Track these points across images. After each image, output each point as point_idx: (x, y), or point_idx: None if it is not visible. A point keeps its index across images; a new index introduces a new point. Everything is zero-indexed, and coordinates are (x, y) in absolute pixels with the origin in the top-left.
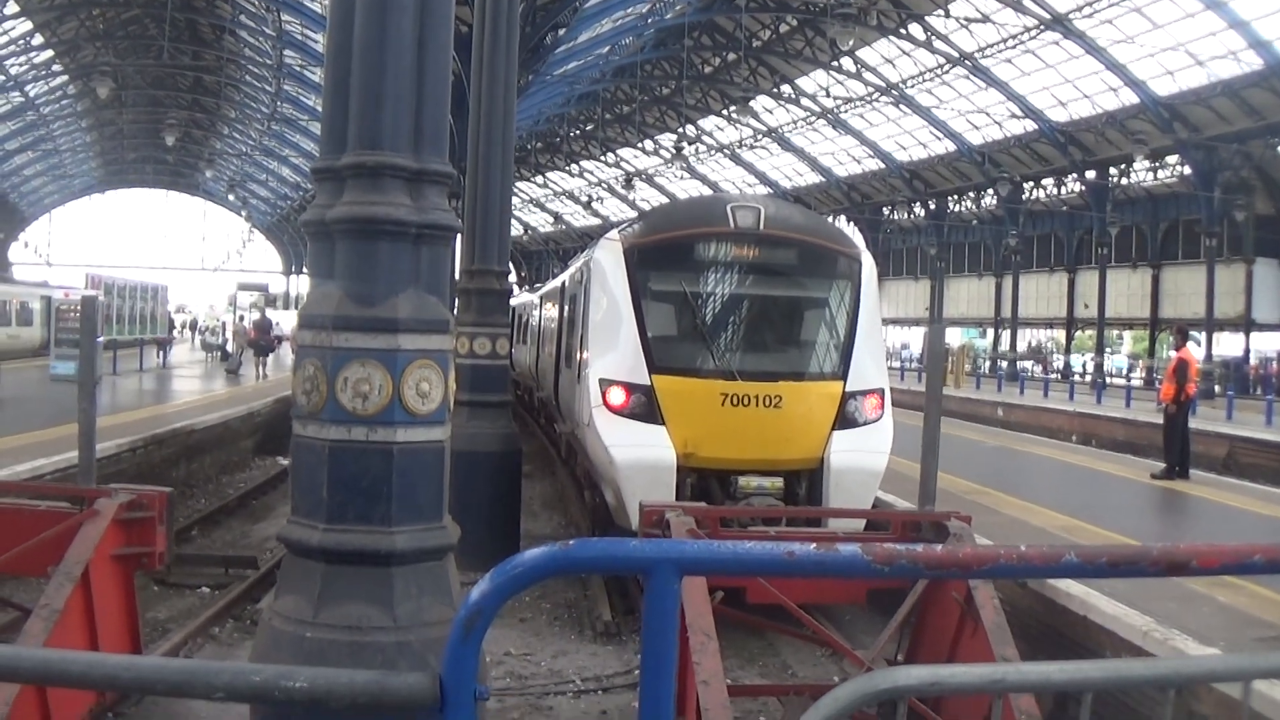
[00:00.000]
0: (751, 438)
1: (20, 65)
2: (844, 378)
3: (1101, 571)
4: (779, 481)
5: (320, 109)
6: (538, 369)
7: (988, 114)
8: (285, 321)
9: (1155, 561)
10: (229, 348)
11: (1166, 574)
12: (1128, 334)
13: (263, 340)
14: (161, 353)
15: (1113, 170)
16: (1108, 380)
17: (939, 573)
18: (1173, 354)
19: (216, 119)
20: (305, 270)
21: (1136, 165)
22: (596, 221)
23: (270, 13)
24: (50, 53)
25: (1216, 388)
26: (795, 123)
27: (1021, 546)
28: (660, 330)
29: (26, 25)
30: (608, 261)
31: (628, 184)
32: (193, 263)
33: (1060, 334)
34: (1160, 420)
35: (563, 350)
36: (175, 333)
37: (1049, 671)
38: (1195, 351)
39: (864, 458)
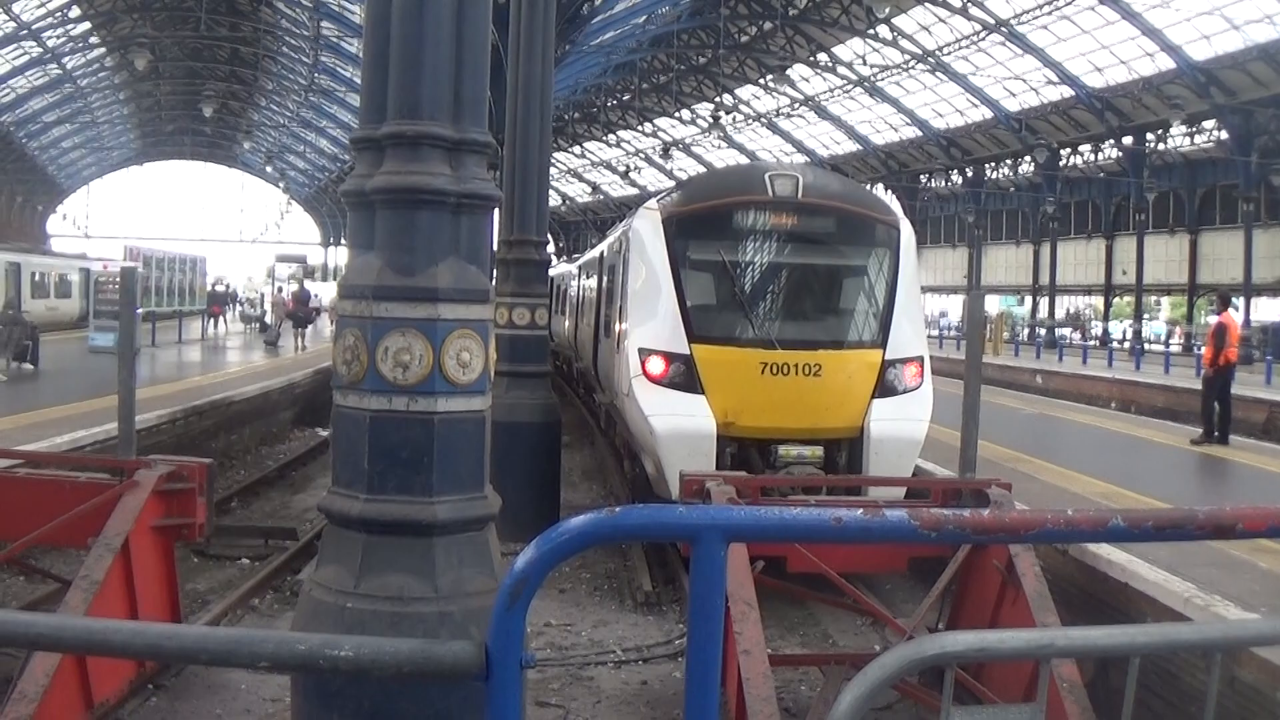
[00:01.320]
0: (791, 407)
1: (58, 37)
2: (883, 346)
3: (1148, 535)
4: (819, 450)
5: (357, 80)
6: (576, 339)
7: (1024, 80)
8: (324, 293)
9: (1201, 525)
10: (268, 319)
11: (1213, 537)
12: (1166, 300)
13: (301, 312)
14: (215, 321)
15: (1149, 136)
16: (1146, 346)
17: (986, 537)
18: (1214, 318)
19: (254, 90)
20: (344, 241)
21: (1173, 130)
22: (634, 191)
23: None
24: (88, 25)
25: (1255, 352)
26: (832, 91)
27: (1068, 511)
28: (699, 299)
29: None
30: (646, 231)
31: (665, 153)
32: (231, 234)
33: (1098, 300)
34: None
35: (601, 320)
36: (237, 304)
37: (1095, 636)
38: (1236, 317)
39: (904, 426)
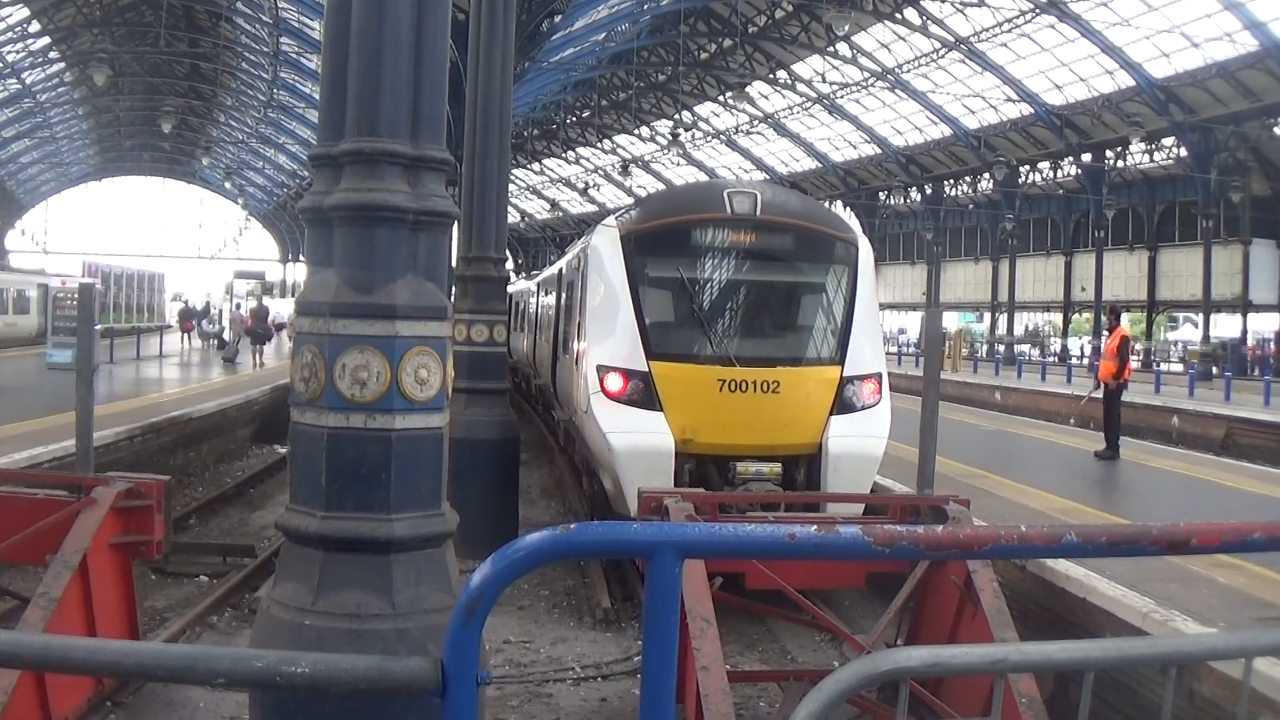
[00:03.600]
0: (749, 423)
1: (17, 52)
2: (841, 363)
3: (1101, 551)
4: (777, 467)
5: (317, 96)
6: (535, 356)
7: (983, 98)
8: (284, 310)
9: (1155, 540)
10: (226, 336)
11: (1167, 553)
12: (1125, 316)
13: (259, 328)
14: (185, 337)
15: (1109, 153)
16: None
17: (939, 554)
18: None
19: (213, 106)
20: (303, 258)
21: (1132, 148)
22: (593, 208)
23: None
24: (47, 40)
25: (1214, 369)
26: (791, 108)
27: (1021, 527)
28: (658, 316)
29: (24, 12)
30: (605, 248)
31: (624, 170)
32: (189, 251)
33: (1057, 317)
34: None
35: (560, 337)
36: (210, 322)
37: (1050, 651)
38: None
39: (862, 443)
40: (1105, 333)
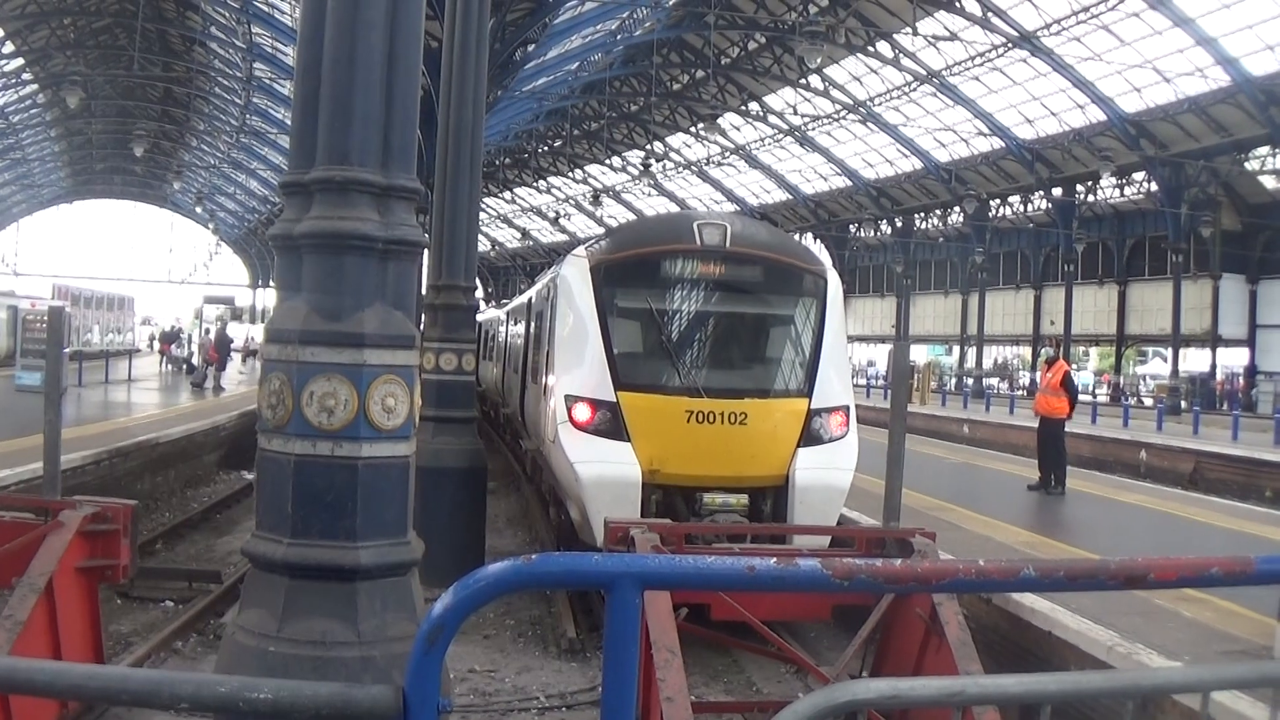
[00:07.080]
0: (717, 454)
1: None
2: (809, 395)
3: (1059, 585)
4: (744, 498)
5: (289, 122)
6: (504, 385)
7: (955, 131)
8: (256, 335)
9: (1113, 575)
10: (194, 361)
11: (1125, 587)
12: (1094, 350)
13: (202, 356)
14: (163, 358)
15: (1079, 187)
16: None
17: (898, 587)
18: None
19: (185, 131)
20: (272, 283)
21: (1103, 182)
22: (564, 238)
23: (240, 25)
24: (20, 61)
25: (1183, 403)
26: (763, 140)
27: (980, 561)
28: (626, 347)
29: None
30: (574, 278)
31: (595, 200)
32: (160, 274)
33: (1026, 351)
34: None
35: (529, 366)
36: (179, 346)
37: (1007, 684)
38: None
39: (829, 475)
40: (1044, 365)
